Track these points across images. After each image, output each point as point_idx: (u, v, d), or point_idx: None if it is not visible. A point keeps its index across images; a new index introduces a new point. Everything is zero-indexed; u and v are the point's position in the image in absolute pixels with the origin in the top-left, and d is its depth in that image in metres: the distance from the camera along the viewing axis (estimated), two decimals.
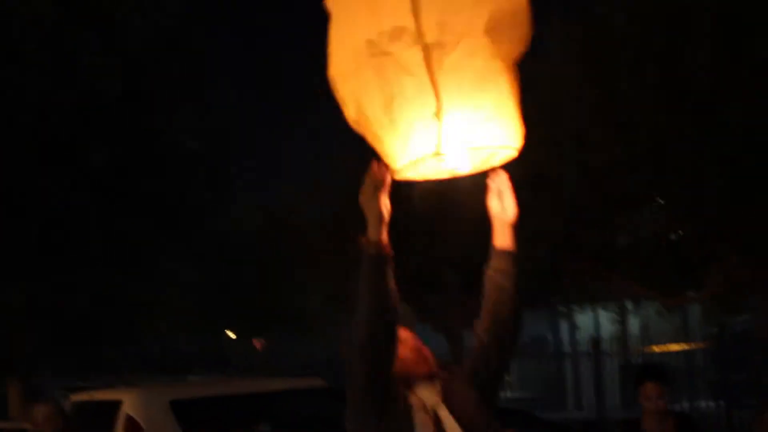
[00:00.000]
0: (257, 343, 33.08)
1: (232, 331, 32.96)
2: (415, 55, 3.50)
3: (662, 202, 12.09)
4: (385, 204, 3.65)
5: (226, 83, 18.75)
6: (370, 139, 3.75)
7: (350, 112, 3.76)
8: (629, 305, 15.78)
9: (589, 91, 12.11)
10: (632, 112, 11.76)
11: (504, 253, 4.00)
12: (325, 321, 26.69)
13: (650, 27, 11.85)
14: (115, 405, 11.13)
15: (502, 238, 4.01)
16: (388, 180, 3.65)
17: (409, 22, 3.48)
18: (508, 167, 4.04)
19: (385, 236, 3.64)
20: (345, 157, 19.10)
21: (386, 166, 3.64)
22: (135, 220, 16.70)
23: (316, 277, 20.31)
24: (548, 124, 12.56)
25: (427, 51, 3.48)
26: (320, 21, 3.85)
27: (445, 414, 3.81)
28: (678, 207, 12.04)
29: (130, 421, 10.77)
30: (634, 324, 21.92)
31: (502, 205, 3.98)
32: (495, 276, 3.99)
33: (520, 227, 11.92)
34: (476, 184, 12.31)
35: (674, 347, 18.25)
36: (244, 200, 24.50)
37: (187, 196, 18.05)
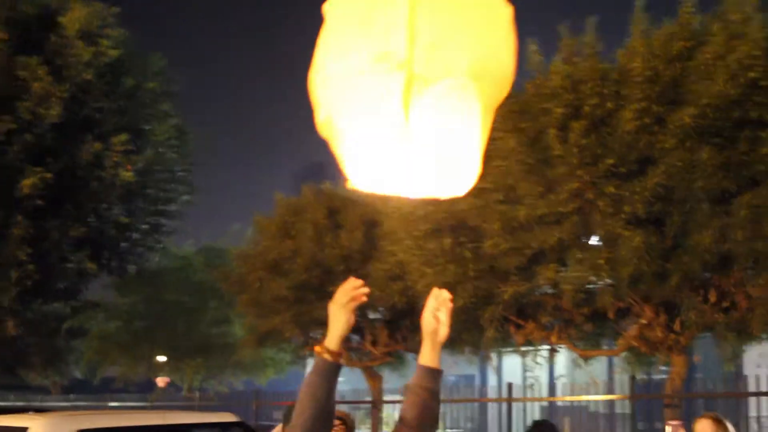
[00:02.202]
0: (161, 382, 32.81)
1: (159, 358, 32.83)
2: (395, 81, 3.64)
3: (581, 256, 12.40)
4: (351, 320, 3.82)
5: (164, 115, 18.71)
6: (333, 144, 3.86)
7: (320, 116, 3.86)
8: (547, 354, 16.08)
9: (519, 146, 12.44)
10: (557, 169, 12.11)
11: (430, 371, 4.10)
12: (246, 353, 26.73)
13: (582, 89, 12.23)
14: None
15: (431, 357, 4.10)
16: (361, 300, 3.81)
17: (398, 49, 3.63)
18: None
19: (340, 347, 3.79)
20: (283, 194, 19.34)
21: (363, 288, 3.81)
22: (70, 249, 16.81)
23: (241, 310, 20.46)
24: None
25: (410, 79, 3.63)
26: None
27: None
28: (597, 262, 12.36)
29: None
30: (560, 370, 22.27)
31: (437, 325, 4.06)
32: (421, 393, 4.08)
33: (443, 272, 12.14)
34: (405, 230, 12.49)
35: (595, 398, 18.54)
36: (178, 232, 24.61)
37: (124, 228, 18.22)
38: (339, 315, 3.80)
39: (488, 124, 3.86)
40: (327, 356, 3.78)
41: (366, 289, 3.81)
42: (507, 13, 3.90)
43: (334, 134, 3.83)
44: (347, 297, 3.80)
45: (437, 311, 4.05)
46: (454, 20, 3.73)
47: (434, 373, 4.09)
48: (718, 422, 7.63)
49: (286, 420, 4.11)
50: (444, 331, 4.05)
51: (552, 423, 9.28)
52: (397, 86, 3.66)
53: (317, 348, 3.80)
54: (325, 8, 3.97)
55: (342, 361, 3.82)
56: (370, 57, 3.69)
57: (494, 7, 3.88)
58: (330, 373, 3.78)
